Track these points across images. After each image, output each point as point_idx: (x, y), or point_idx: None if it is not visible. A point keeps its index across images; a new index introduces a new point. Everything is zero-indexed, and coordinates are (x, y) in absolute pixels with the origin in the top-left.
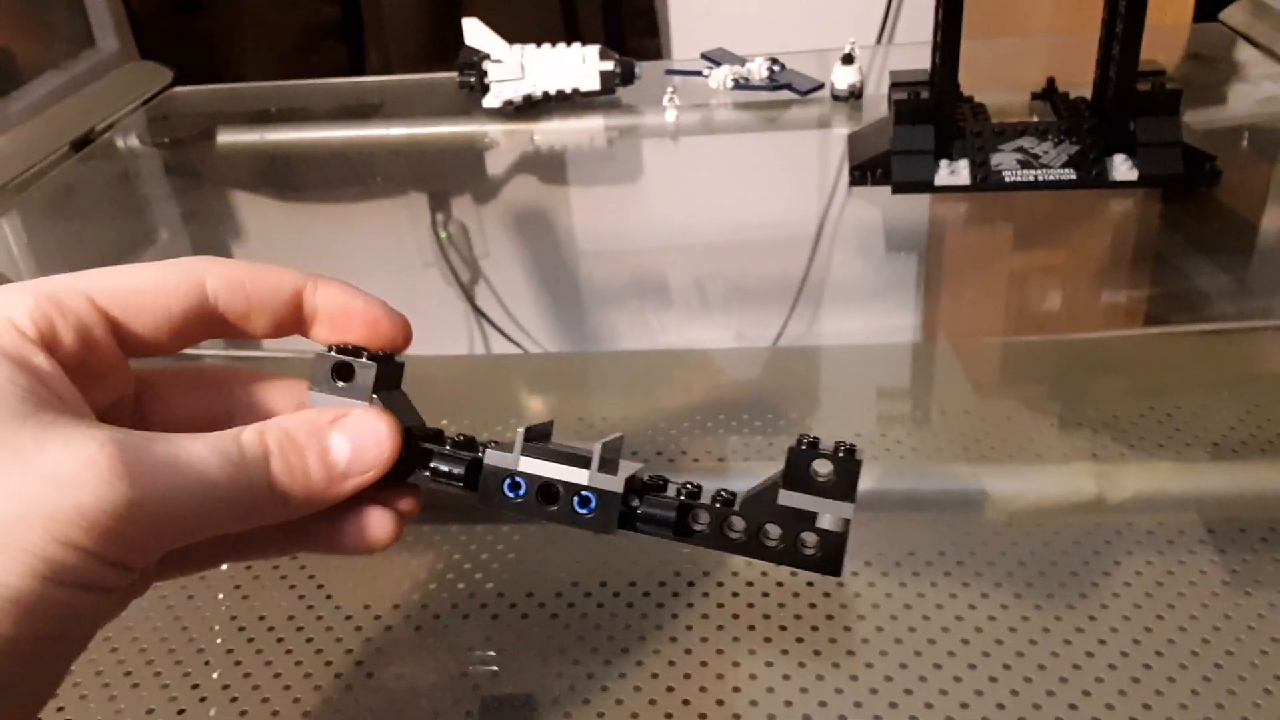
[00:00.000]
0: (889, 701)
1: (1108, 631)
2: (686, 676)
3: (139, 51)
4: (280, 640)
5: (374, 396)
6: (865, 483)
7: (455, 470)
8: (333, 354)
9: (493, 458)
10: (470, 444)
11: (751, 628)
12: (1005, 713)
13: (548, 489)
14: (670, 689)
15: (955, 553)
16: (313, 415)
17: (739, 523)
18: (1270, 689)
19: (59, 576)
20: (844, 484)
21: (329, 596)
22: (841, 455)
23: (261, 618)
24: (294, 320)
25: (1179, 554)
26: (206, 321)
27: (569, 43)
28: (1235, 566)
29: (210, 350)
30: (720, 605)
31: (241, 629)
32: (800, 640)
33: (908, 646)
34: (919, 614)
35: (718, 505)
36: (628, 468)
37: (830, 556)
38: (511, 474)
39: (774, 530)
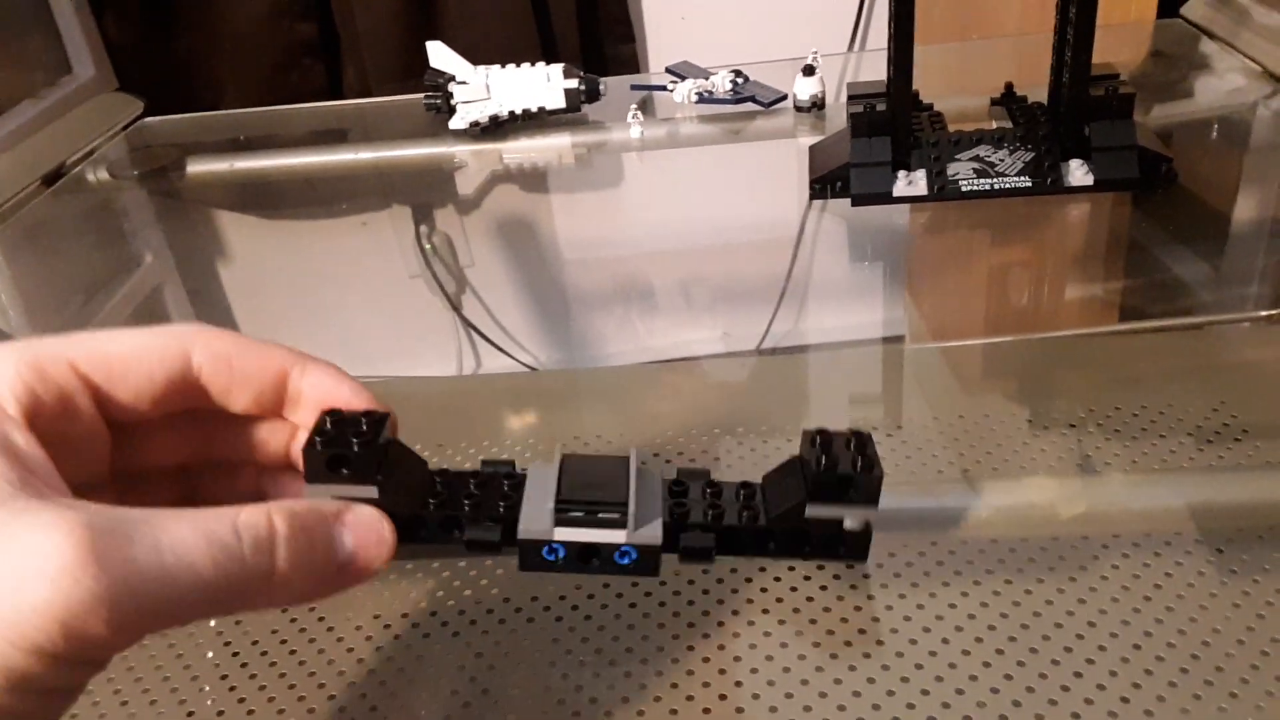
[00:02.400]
0: (853, 690)
1: (1085, 626)
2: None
3: (116, 78)
4: (273, 665)
5: (379, 478)
6: None
7: (491, 539)
8: (322, 446)
9: (527, 529)
10: (490, 483)
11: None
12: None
13: (586, 551)
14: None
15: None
16: (319, 505)
17: (770, 537)
18: (1247, 677)
19: (18, 685)
20: (867, 493)
21: (320, 619)
22: (861, 470)
23: (255, 642)
24: (276, 401)
25: (1148, 553)
26: (188, 393)
27: (545, 53)
28: (1207, 561)
29: None
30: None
31: (235, 654)
32: (801, 633)
33: (908, 655)
34: (919, 623)
35: (745, 518)
36: (653, 489)
37: (857, 548)
38: (548, 543)
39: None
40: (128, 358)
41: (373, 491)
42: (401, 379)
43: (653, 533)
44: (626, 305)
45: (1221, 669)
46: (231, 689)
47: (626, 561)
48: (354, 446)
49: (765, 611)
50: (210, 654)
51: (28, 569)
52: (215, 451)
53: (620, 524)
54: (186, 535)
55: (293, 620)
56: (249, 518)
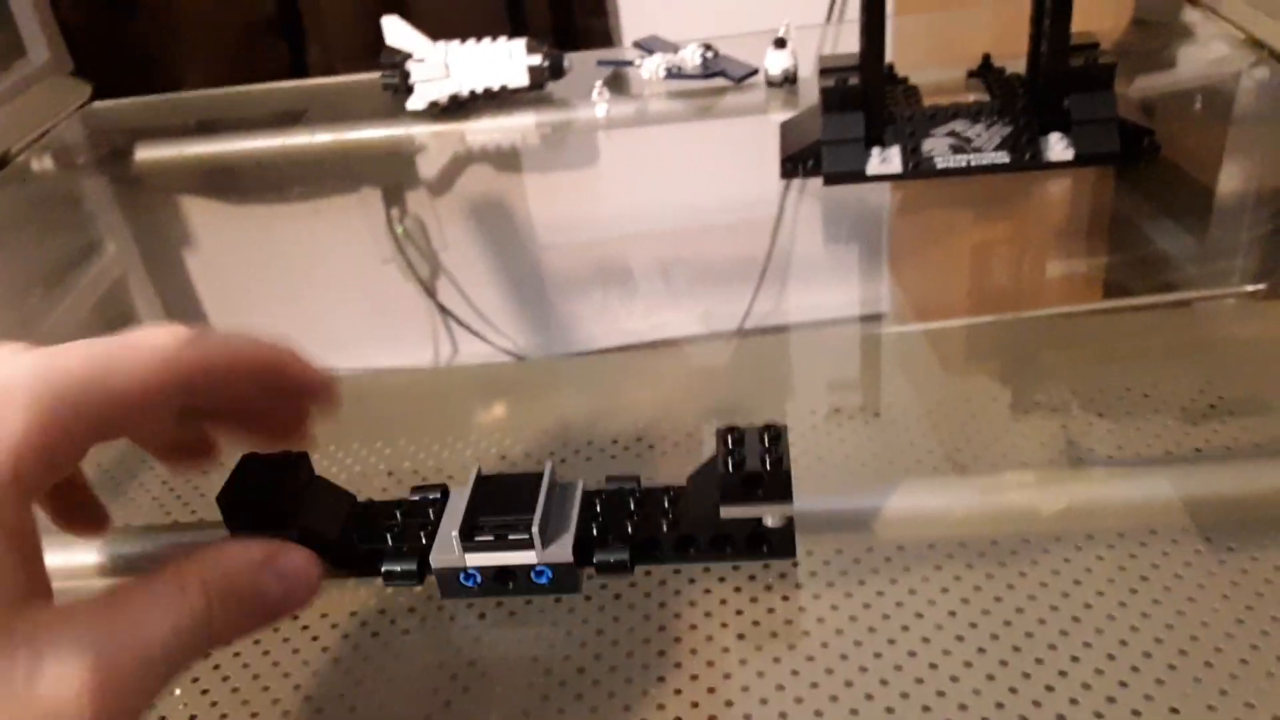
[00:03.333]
0: (830, 695)
1: (1070, 622)
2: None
3: (73, 60)
4: (236, 655)
5: (296, 522)
6: (827, 486)
7: (409, 570)
8: (238, 496)
9: (438, 558)
10: (415, 511)
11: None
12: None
13: (502, 574)
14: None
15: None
16: (248, 556)
17: (691, 541)
18: (1237, 673)
19: None
20: (779, 490)
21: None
22: (770, 468)
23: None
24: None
25: (1133, 543)
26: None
27: (514, 27)
28: (1195, 551)
29: None
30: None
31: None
32: (760, 648)
33: (867, 648)
34: (897, 622)
35: (665, 525)
36: (569, 503)
37: (782, 544)
38: (462, 570)
39: (725, 537)
40: (140, 402)
41: (292, 535)
42: (372, 371)
43: (563, 550)
44: (605, 287)
45: (1212, 664)
46: (204, 692)
47: (544, 581)
48: (269, 494)
49: (734, 630)
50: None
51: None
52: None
53: (528, 544)
54: (159, 625)
55: None
56: (191, 585)
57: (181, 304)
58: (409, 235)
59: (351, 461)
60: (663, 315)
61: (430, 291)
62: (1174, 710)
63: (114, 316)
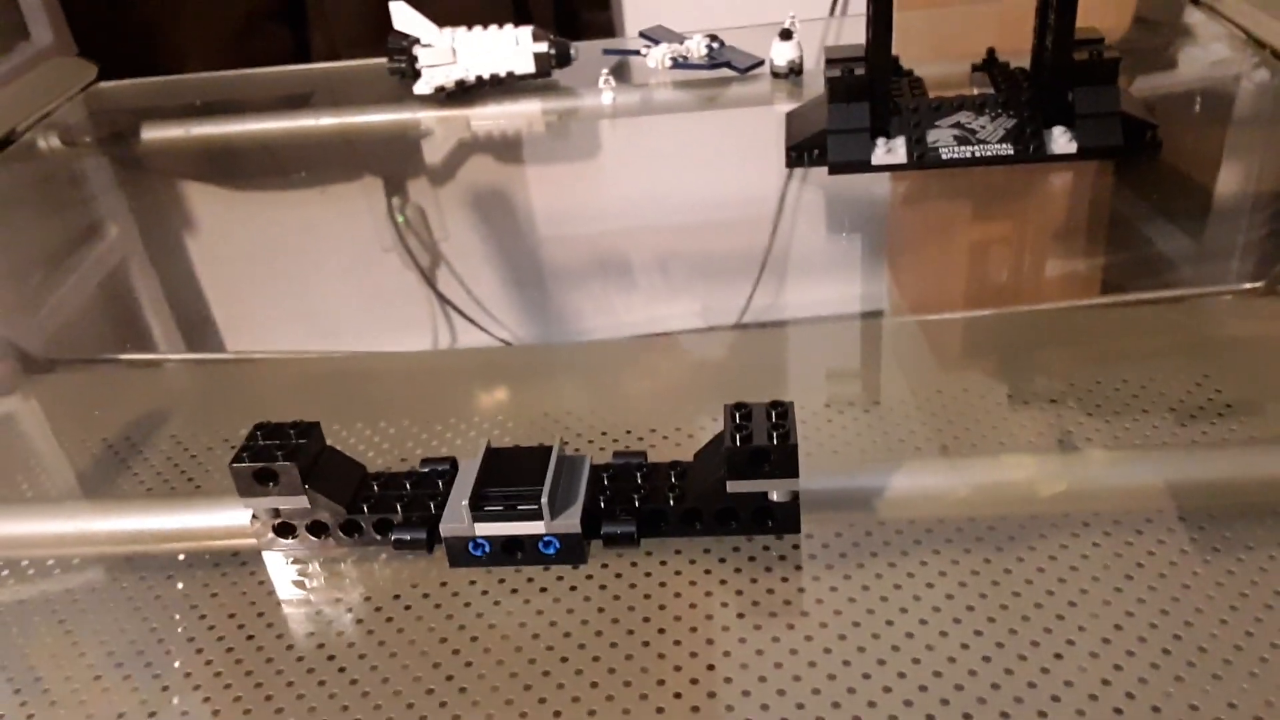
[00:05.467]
0: (828, 673)
1: (1066, 606)
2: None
3: (75, 43)
4: (241, 626)
5: (305, 487)
6: (827, 470)
7: (418, 538)
8: (249, 460)
9: (448, 527)
10: (425, 482)
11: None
12: (967, 688)
13: (510, 544)
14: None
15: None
16: None
17: (696, 515)
18: (1230, 658)
19: None
20: (785, 465)
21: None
22: (778, 443)
23: (232, 615)
24: None
25: (1129, 531)
26: None
27: (518, 19)
28: (1190, 540)
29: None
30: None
31: (211, 628)
32: (758, 626)
33: (866, 628)
34: (895, 604)
35: (671, 499)
36: (577, 477)
37: (787, 519)
38: (471, 539)
39: (730, 511)
40: None
41: (302, 501)
42: (374, 354)
43: (571, 521)
44: (603, 278)
45: (1205, 650)
46: (208, 663)
47: (551, 551)
48: (279, 459)
49: (749, 597)
50: (182, 628)
51: None
52: None
53: (537, 514)
54: None
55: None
56: None
57: (183, 285)
58: (409, 224)
59: (355, 441)
60: (668, 306)
61: (430, 280)
62: (1167, 694)
63: (116, 295)
